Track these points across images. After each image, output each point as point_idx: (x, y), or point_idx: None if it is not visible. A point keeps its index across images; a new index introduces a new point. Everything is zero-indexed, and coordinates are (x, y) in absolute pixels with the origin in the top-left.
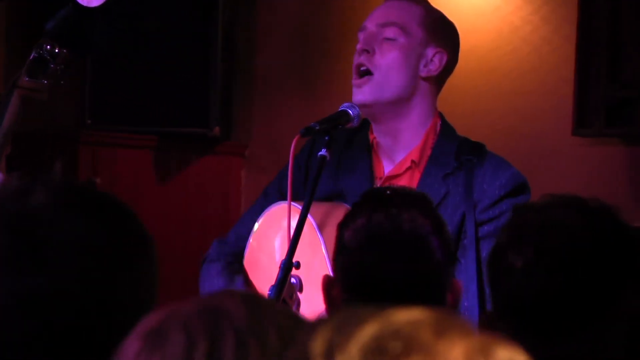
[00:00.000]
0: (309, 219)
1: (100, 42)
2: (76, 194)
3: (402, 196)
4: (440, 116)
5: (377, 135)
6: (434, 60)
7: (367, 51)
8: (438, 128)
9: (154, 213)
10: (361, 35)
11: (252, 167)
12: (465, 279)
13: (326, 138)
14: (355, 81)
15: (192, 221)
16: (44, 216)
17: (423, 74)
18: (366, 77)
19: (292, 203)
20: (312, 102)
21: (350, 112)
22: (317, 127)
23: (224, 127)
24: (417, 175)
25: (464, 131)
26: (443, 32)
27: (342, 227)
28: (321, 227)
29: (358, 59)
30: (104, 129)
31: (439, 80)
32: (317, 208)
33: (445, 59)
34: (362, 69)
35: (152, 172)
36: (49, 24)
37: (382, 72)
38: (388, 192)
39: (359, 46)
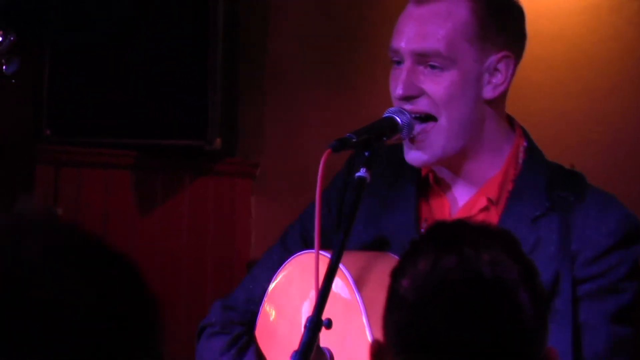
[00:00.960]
0: (343, 271)
1: (61, 27)
2: (70, 245)
3: (480, 232)
4: (524, 135)
5: (435, 167)
6: (499, 70)
7: (414, 97)
8: (522, 154)
9: (134, 254)
10: (395, 65)
11: (265, 191)
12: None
13: (366, 154)
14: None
15: (184, 266)
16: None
17: (488, 95)
18: (425, 128)
19: (322, 252)
20: (344, 104)
21: (398, 119)
22: (354, 139)
23: (227, 138)
24: (494, 218)
25: (543, 143)
26: (503, 24)
27: (397, 274)
28: (359, 282)
29: (402, 103)
30: (67, 141)
31: (507, 89)
32: (352, 258)
33: (512, 62)
34: (416, 115)
35: (131, 198)
36: None
37: (444, 113)
38: (460, 227)
39: (398, 90)
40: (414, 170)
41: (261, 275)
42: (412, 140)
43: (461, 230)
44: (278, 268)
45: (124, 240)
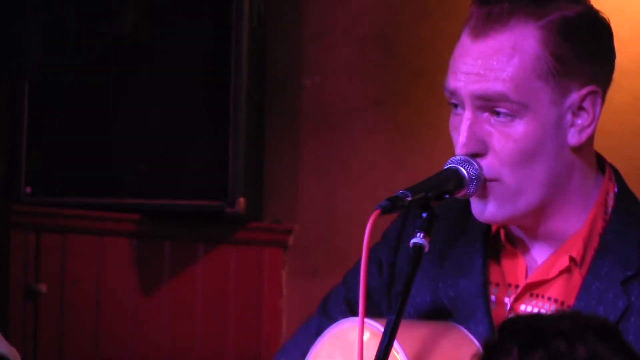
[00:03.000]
0: (397, 348)
1: (43, 60)
2: None
3: (571, 321)
4: (615, 176)
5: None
6: (584, 109)
7: (478, 155)
8: (611, 201)
9: (136, 341)
10: (453, 108)
11: (299, 264)
12: None
13: (424, 215)
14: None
15: (198, 353)
16: None
17: (574, 141)
18: (491, 186)
19: (368, 321)
20: (398, 154)
21: (463, 171)
22: (408, 198)
23: (252, 198)
24: (576, 280)
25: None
26: (585, 53)
27: None
28: None
29: (467, 160)
30: (50, 202)
31: (595, 128)
32: (409, 331)
33: (599, 96)
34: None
35: (131, 273)
36: None
37: (509, 175)
38: (542, 317)
39: (459, 148)
40: (481, 225)
41: (295, 347)
42: (482, 192)
43: (545, 321)
44: (316, 340)
45: (121, 326)
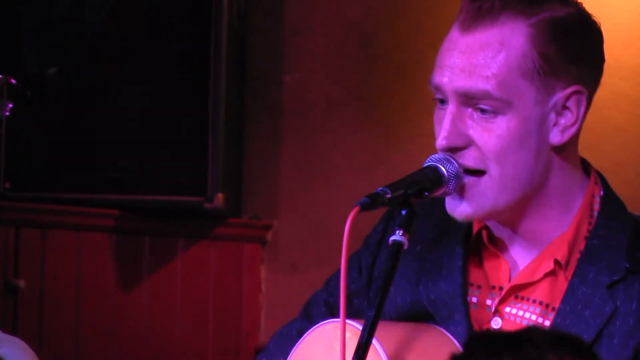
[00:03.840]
0: (377, 348)
1: (23, 58)
2: None
3: (542, 332)
4: (600, 180)
5: (490, 223)
6: (568, 109)
7: (460, 148)
8: (596, 205)
9: (113, 338)
10: (438, 103)
11: (278, 260)
12: None
13: (403, 212)
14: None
15: (177, 353)
16: None
17: (555, 140)
18: (472, 182)
19: (348, 321)
20: (378, 151)
21: (442, 169)
22: (388, 195)
23: (231, 193)
24: (561, 283)
25: (624, 191)
26: (572, 53)
27: None
28: None
29: (447, 153)
30: (30, 197)
31: (579, 129)
32: (388, 331)
33: (584, 97)
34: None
35: (110, 268)
36: None
37: (495, 169)
38: (516, 332)
39: (441, 140)
40: (462, 226)
41: (276, 349)
42: (459, 191)
43: (515, 332)
44: (297, 341)
45: (101, 321)
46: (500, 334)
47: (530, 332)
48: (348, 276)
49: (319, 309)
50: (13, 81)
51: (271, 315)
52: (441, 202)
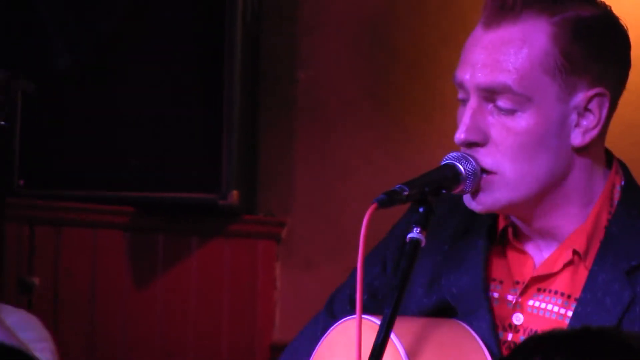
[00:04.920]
0: (394, 342)
1: (36, 51)
2: None
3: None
4: (622, 169)
5: (512, 217)
6: (590, 111)
7: (477, 144)
8: (617, 194)
9: (130, 333)
10: (461, 98)
11: (293, 257)
12: None
13: (420, 210)
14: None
15: (192, 351)
16: None
17: (577, 142)
18: (488, 178)
19: (367, 317)
20: (394, 148)
21: (460, 167)
22: (405, 192)
23: (246, 190)
24: (582, 273)
25: None
26: (596, 54)
27: None
28: (413, 356)
29: (465, 149)
30: (44, 194)
31: (604, 128)
32: (408, 326)
33: (607, 100)
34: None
35: (125, 265)
36: None
37: (509, 169)
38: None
39: (458, 134)
40: (487, 221)
41: (301, 348)
42: (477, 187)
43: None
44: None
45: (115, 319)
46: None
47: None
48: (371, 272)
49: (342, 306)
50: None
51: (286, 312)
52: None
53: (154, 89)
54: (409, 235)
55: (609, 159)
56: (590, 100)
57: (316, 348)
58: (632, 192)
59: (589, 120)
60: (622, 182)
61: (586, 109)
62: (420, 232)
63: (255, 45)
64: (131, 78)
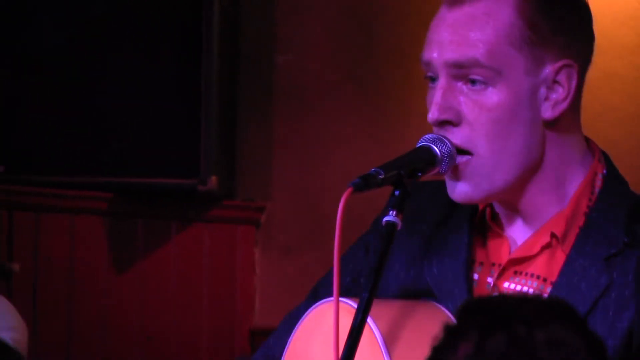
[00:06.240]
0: (371, 326)
1: (17, 40)
2: None
3: (531, 305)
4: (604, 160)
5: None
6: (559, 83)
7: (451, 123)
8: (598, 182)
9: (110, 319)
10: (430, 82)
11: (272, 242)
12: None
13: (396, 193)
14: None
15: (172, 336)
16: None
17: (547, 115)
18: (463, 160)
19: (345, 300)
20: (371, 132)
21: (435, 149)
22: (381, 176)
23: (225, 176)
24: (559, 257)
25: (627, 173)
26: (560, 26)
27: None
28: (389, 340)
29: (438, 130)
30: (23, 180)
31: (574, 102)
32: (385, 310)
33: (575, 71)
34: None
35: (104, 251)
36: None
37: (485, 147)
38: (504, 300)
39: (431, 114)
40: (468, 206)
41: (284, 330)
42: (454, 171)
43: (506, 305)
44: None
45: (95, 303)
46: (491, 309)
47: (520, 306)
48: (355, 257)
49: (326, 289)
50: None
51: (266, 297)
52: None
53: (133, 74)
54: (385, 219)
55: (593, 150)
56: (558, 72)
57: (294, 332)
58: (614, 181)
59: (558, 93)
60: (604, 172)
61: (555, 82)
62: (396, 215)
63: (234, 29)
64: (111, 63)
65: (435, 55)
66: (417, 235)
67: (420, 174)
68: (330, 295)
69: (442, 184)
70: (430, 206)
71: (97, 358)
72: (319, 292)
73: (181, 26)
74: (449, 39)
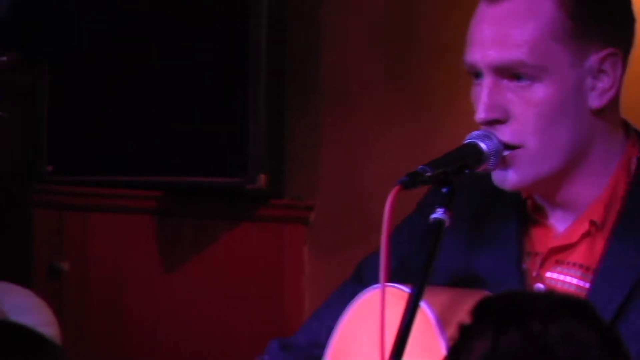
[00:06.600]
0: (425, 310)
1: (63, 38)
2: None
3: (546, 301)
4: (638, 141)
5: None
6: (605, 72)
7: (499, 121)
8: (633, 166)
9: (154, 320)
10: (474, 79)
11: (321, 240)
12: None
13: (444, 190)
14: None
15: (218, 337)
16: None
17: (595, 104)
18: (513, 153)
19: (397, 286)
20: (418, 129)
21: (483, 146)
22: (428, 173)
23: (273, 174)
24: (600, 244)
25: None
26: (603, 15)
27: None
28: (444, 321)
29: (487, 127)
30: (73, 180)
31: (619, 91)
32: (437, 295)
33: (620, 59)
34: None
35: (152, 250)
36: None
37: (533, 141)
38: (517, 297)
39: (479, 114)
40: (513, 195)
41: (328, 313)
42: (503, 160)
43: (519, 302)
44: (347, 304)
45: (144, 303)
46: (504, 307)
47: (534, 303)
48: (401, 239)
49: (372, 272)
50: None
51: (315, 296)
52: (488, 174)
53: (180, 72)
54: (433, 216)
55: (627, 130)
56: (603, 61)
57: (343, 315)
58: None
59: (604, 82)
60: (639, 154)
61: (600, 71)
62: (444, 212)
63: (281, 28)
64: (156, 61)
65: (478, 57)
66: (460, 228)
67: (467, 170)
68: (376, 277)
69: (475, 180)
70: (471, 197)
71: (145, 357)
72: (364, 275)
73: (229, 25)
74: (491, 38)
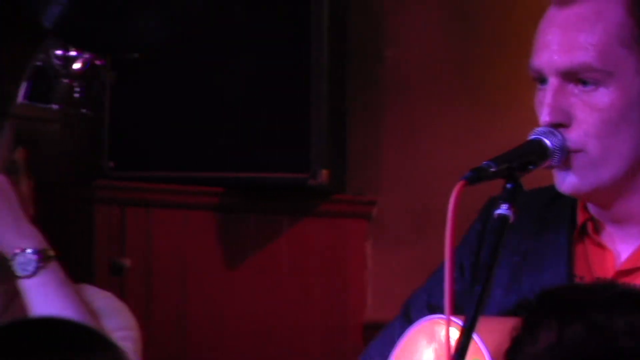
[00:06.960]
0: (477, 343)
1: (126, 34)
2: None
3: (609, 292)
4: None
5: (592, 209)
6: None
7: (562, 125)
8: None
9: (218, 315)
10: (539, 85)
11: (383, 235)
12: None
13: (508, 186)
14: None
15: (283, 331)
16: None
17: None
18: (576, 157)
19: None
20: (481, 125)
21: (547, 142)
22: (492, 168)
23: (335, 170)
24: None
25: None
26: None
27: (512, 356)
28: (496, 354)
29: (550, 131)
30: (134, 176)
31: None
32: (490, 326)
33: None
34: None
35: (215, 246)
36: (49, 15)
37: (595, 146)
38: (582, 289)
39: (544, 117)
40: (565, 217)
41: (376, 353)
42: (565, 162)
43: (583, 293)
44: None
45: (207, 299)
46: (566, 299)
47: (595, 294)
48: (461, 251)
49: (420, 311)
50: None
51: (378, 291)
52: (538, 196)
53: (240, 69)
54: (497, 212)
55: None
56: None
57: (395, 348)
58: None
59: None
60: None
61: None
62: (508, 208)
63: (342, 23)
64: (218, 58)
65: (545, 60)
66: (510, 251)
67: (532, 167)
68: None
69: (531, 196)
70: (521, 219)
71: (209, 352)
72: (411, 315)
73: (291, 21)
74: (559, 42)
